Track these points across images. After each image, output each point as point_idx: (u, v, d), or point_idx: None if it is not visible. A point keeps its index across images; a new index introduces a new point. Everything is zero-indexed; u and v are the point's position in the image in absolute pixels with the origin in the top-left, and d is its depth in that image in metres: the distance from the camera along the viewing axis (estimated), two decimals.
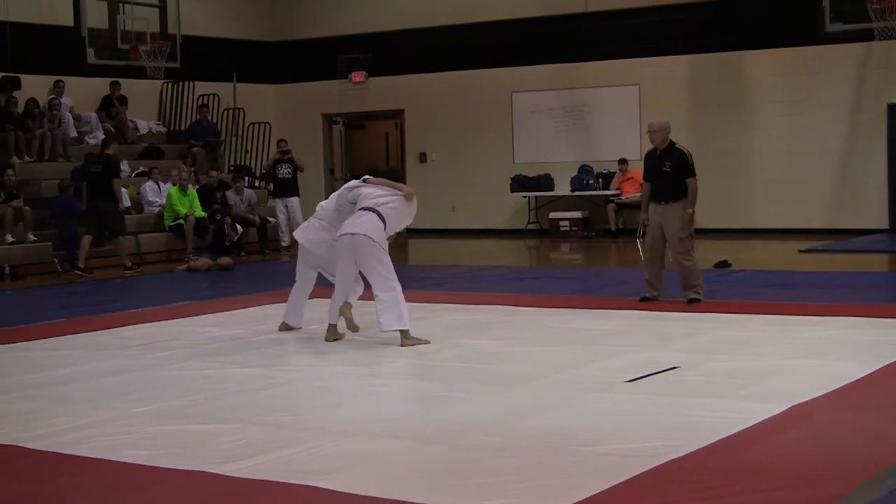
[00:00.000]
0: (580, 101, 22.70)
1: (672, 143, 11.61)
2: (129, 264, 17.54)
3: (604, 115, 22.50)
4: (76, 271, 17.07)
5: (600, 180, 22.26)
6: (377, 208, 9.32)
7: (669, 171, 11.44)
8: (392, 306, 9.12)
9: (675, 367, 8.09)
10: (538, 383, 7.77)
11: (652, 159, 11.71)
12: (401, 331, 9.24)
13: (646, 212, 11.71)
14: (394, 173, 10.04)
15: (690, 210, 11.40)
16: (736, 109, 21.38)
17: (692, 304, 11.28)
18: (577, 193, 22.37)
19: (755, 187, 21.28)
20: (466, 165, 23.78)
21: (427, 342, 9.32)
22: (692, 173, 11.47)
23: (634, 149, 21.69)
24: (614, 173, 22.10)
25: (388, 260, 9.21)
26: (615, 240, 20.99)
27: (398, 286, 9.20)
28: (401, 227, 9.72)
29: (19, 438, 6.52)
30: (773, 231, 20.62)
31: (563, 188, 22.65)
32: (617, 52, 22.29)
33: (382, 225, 9.27)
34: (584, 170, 22.40)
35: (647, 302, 11.42)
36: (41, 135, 20.05)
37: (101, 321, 11.52)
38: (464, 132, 23.84)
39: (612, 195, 21.92)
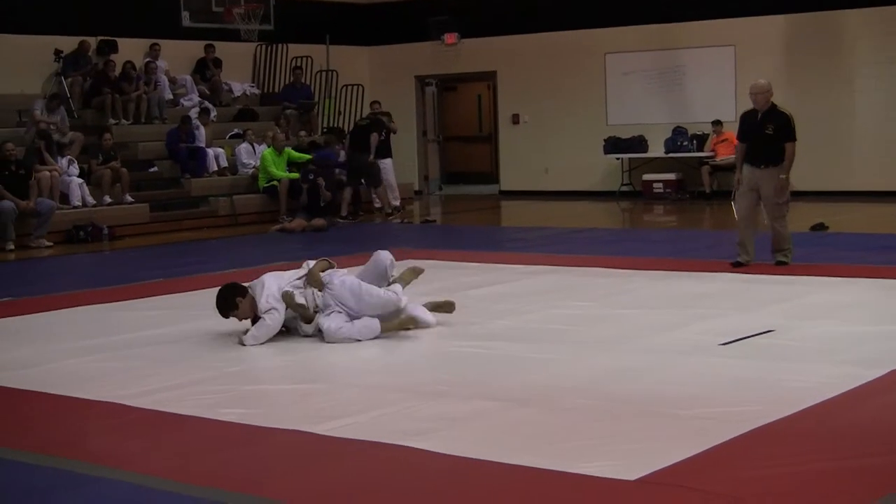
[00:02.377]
0: (674, 63, 22.47)
1: (774, 106, 11.41)
2: (390, 210, 19.54)
3: (698, 77, 22.25)
4: (339, 219, 18.56)
5: (694, 142, 22.04)
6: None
7: (771, 133, 11.24)
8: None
9: (769, 331, 8.03)
10: (631, 346, 7.77)
11: (750, 121, 11.49)
12: None
13: (740, 172, 11.56)
14: None
15: (783, 176, 11.25)
16: (834, 70, 21.01)
17: (784, 267, 11.17)
18: (670, 155, 22.18)
19: (854, 149, 20.94)
20: (559, 127, 23.68)
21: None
22: (793, 137, 11.30)
23: (729, 110, 21.43)
24: (708, 135, 21.86)
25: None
26: (709, 202, 20.79)
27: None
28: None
29: (120, 395, 6.68)
30: (872, 193, 20.29)
31: (656, 150, 22.46)
32: (712, 12, 22.00)
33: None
34: (678, 131, 22.19)
35: (740, 267, 11.31)
36: (137, 97, 20.34)
37: (195, 282, 11.69)
38: (557, 94, 23.72)
39: (707, 157, 21.70)
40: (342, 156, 20.44)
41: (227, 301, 8.30)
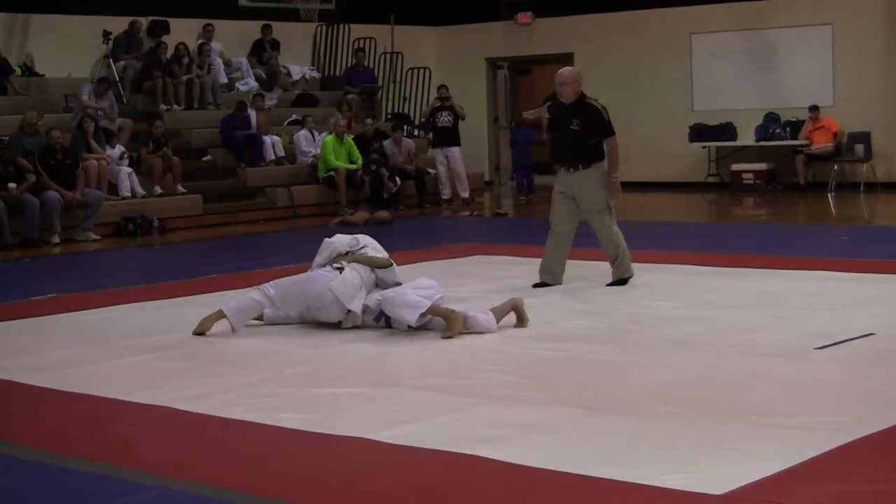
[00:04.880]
0: (766, 43, 22.27)
1: (583, 97, 10.68)
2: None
3: (792, 58, 22.03)
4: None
5: (788, 129, 21.85)
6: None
7: (577, 129, 10.48)
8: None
9: (869, 335, 7.94)
10: (718, 348, 7.72)
11: (557, 114, 10.81)
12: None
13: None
14: None
15: (614, 177, 10.52)
16: None
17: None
18: (762, 143, 22.00)
19: None
20: (641, 113, 23.54)
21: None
22: (609, 131, 10.49)
23: (826, 94, 21.25)
24: (803, 121, 21.66)
25: None
26: (803, 194, 20.61)
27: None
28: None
29: (172, 399, 6.73)
30: None
31: (746, 138, 22.29)
32: None
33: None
34: (770, 118, 22.00)
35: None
36: (189, 82, 20.48)
37: (251, 278, 11.72)
38: (638, 77, 23.60)
39: (801, 145, 21.50)
40: (408, 144, 20.55)
41: None
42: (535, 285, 10.53)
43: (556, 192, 10.75)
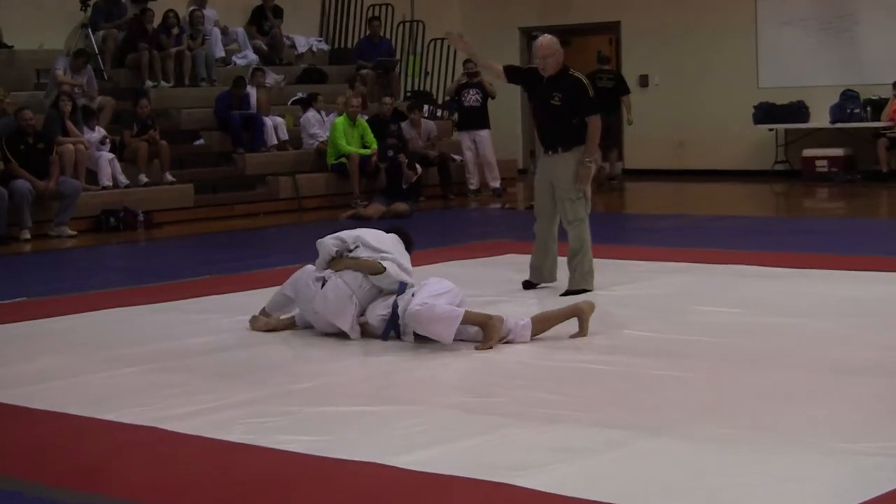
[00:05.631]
0: (844, 10, 22.22)
1: (566, 69, 10.77)
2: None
3: (874, 27, 21.98)
4: (610, 180, 21.86)
5: (868, 109, 21.79)
6: None
7: (559, 105, 10.60)
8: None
9: None
10: (788, 363, 7.70)
11: (535, 87, 10.93)
12: None
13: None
14: None
15: (588, 161, 10.57)
16: None
17: None
18: (838, 126, 21.95)
19: None
20: (698, 90, 23.52)
21: None
22: (593, 109, 10.58)
23: None
24: (887, 100, 21.60)
25: None
26: (886, 184, 20.55)
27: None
28: None
29: (159, 418, 6.72)
30: None
31: (820, 119, 22.24)
32: None
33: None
34: (848, 96, 21.94)
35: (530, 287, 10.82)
36: (180, 54, 20.49)
37: (251, 279, 11.76)
38: (695, 49, 23.57)
39: (884, 128, 21.44)
40: (430, 127, 20.56)
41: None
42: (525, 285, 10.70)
43: (535, 180, 10.88)
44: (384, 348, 8.41)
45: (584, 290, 10.40)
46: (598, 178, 18.96)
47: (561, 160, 10.54)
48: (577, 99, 10.53)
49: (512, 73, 11.23)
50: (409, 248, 9.05)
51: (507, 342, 8.37)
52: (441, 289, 8.47)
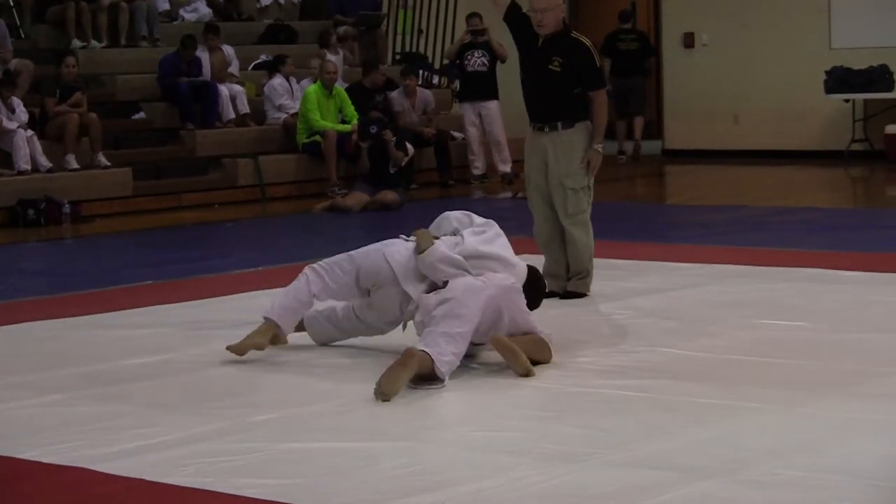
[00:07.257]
0: None
1: (567, 30, 10.85)
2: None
3: None
4: (619, 154, 23.44)
5: None
6: None
7: (559, 70, 10.64)
8: None
9: None
10: (868, 388, 7.72)
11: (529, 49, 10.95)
12: None
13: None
14: None
15: (597, 146, 10.70)
16: None
17: None
18: None
19: None
20: (755, 53, 23.54)
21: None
22: (600, 82, 10.89)
23: None
24: None
25: None
26: None
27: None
28: None
29: (88, 457, 6.73)
30: None
31: None
32: None
33: None
34: None
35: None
36: (114, 7, 20.46)
37: (202, 286, 11.78)
38: (754, 3, 23.59)
39: None
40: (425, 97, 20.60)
41: None
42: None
43: (526, 166, 10.95)
44: (367, 371, 8.29)
45: (582, 295, 10.60)
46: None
47: (561, 139, 10.61)
48: (582, 67, 10.60)
49: (513, 12, 10.93)
50: (531, 304, 8.77)
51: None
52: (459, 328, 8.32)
